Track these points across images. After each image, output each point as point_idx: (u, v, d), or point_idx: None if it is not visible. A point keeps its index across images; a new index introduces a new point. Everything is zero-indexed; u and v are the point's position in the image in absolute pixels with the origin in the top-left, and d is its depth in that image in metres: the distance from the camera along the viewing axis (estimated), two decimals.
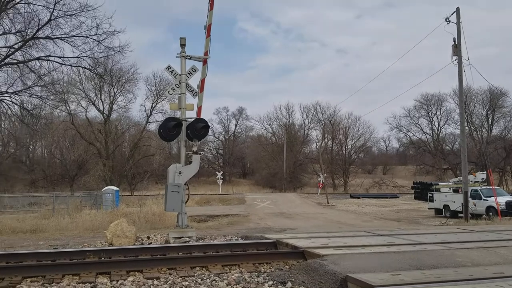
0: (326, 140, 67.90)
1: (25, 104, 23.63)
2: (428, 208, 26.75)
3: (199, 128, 11.42)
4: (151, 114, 53.00)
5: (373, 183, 59.53)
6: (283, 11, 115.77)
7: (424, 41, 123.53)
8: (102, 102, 50.83)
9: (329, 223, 18.84)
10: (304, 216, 22.76)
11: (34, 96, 23.24)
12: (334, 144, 66.90)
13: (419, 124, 67.60)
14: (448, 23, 21.63)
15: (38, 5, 21.23)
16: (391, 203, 35.36)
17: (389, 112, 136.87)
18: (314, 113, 68.00)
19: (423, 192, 35.51)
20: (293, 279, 6.37)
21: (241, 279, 6.56)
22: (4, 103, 22.81)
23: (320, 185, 43.41)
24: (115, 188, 30.41)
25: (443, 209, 24.84)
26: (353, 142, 67.81)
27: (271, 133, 70.78)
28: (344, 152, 66.04)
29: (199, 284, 6.38)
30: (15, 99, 22.79)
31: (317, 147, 65.30)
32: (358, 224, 18.11)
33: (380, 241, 9.04)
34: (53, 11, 20.94)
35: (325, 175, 43.09)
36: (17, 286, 6.22)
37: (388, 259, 6.92)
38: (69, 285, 6.26)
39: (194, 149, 11.51)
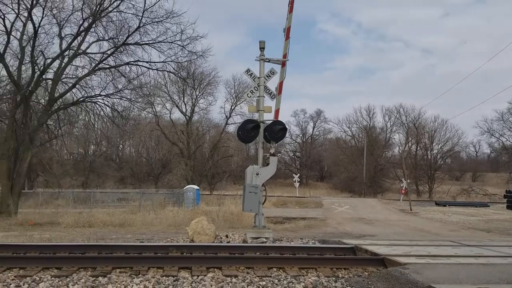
0: (409, 144, 65.04)
1: (116, 106, 25.26)
2: None
3: (276, 131, 11.48)
4: (230, 116, 54.33)
5: (461, 190, 55.87)
6: (364, 10, 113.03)
7: None
8: (185, 104, 53.04)
9: (412, 231, 18.01)
10: (384, 222, 21.99)
11: (124, 98, 24.79)
12: (418, 148, 63.85)
13: None
14: None
15: (128, 13, 22.60)
16: (480, 212, 32.99)
17: (479, 115, 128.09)
18: (397, 115, 65.47)
19: None
20: (372, 287, 6.18)
21: (318, 283, 6.49)
22: (97, 105, 24.56)
23: (403, 191, 41.67)
24: (196, 187, 31.48)
25: None
26: (439, 147, 64.24)
27: (350, 136, 69.30)
28: (429, 157, 62.75)
29: (276, 284, 6.41)
30: (107, 101, 24.45)
31: (400, 151, 62.75)
32: (443, 233, 17.13)
33: (467, 252, 8.48)
34: (141, 18, 22.19)
35: (408, 180, 41.24)
36: (108, 275, 6.67)
37: (476, 271, 6.47)
38: (153, 277, 6.59)
39: (272, 151, 11.59)
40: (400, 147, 65.42)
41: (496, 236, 17.15)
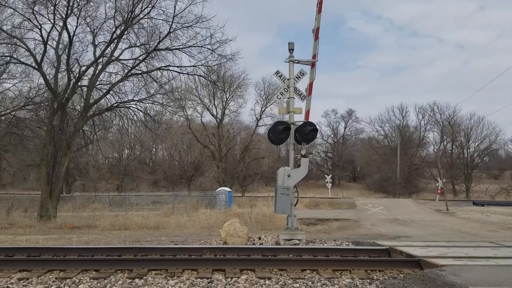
0: (445, 143, 63.34)
1: (148, 111, 25.72)
2: None
3: (307, 132, 11.44)
4: (260, 118, 54.43)
5: (500, 189, 53.98)
6: (395, 6, 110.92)
7: None
8: (216, 107, 53.50)
9: (449, 231, 17.55)
10: (420, 223, 21.51)
11: (156, 103, 25.19)
12: (454, 147, 62.12)
13: None
14: None
15: (159, 19, 22.98)
16: None
17: None
18: (431, 113, 63.84)
19: None
20: None
21: (353, 285, 6.42)
22: (131, 110, 25.08)
23: (439, 191, 40.65)
24: (227, 189, 31.66)
25: None
26: (476, 145, 62.29)
27: (383, 135, 68.10)
28: (465, 155, 60.94)
29: (309, 287, 6.38)
30: (140, 106, 24.91)
31: (435, 150, 61.21)
32: (481, 234, 16.61)
33: (507, 253, 8.20)
34: (172, 24, 22.51)
35: (444, 180, 40.16)
36: (144, 277, 6.81)
37: None
38: (188, 279, 6.68)
39: (303, 152, 11.56)
40: (435, 146, 63.85)
41: None
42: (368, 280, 6.68)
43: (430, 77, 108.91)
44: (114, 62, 23.93)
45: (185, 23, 22.73)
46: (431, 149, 65.74)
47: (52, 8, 21.26)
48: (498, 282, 5.69)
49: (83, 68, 23.69)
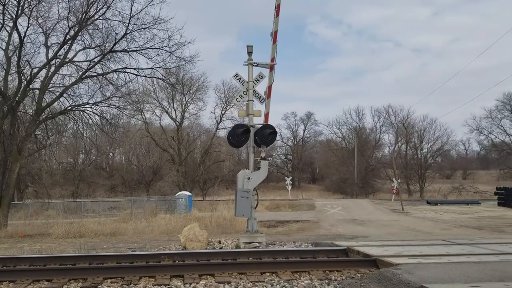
0: (399, 144, 65.41)
1: (104, 114, 25.07)
2: None
3: (266, 134, 11.48)
4: (220, 121, 54.26)
5: (452, 188, 56.26)
6: (354, 11, 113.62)
7: (509, 36, 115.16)
8: (175, 110, 52.85)
9: (404, 230, 18.09)
10: (376, 223, 22.06)
11: (112, 106, 24.61)
12: (408, 148, 64.23)
13: (501, 126, 63.05)
14: None
15: (115, 20, 22.50)
16: (472, 210, 33.23)
17: (468, 114, 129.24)
18: (386, 116, 65.82)
19: (507, 198, 33.15)
20: None
21: (311, 286, 6.47)
22: (86, 114, 24.37)
23: (394, 191, 41.88)
24: (188, 193, 31.35)
25: None
26: (429, 146, 64.62)
27: (341, 137, 69.54)
28: (419, 156, 63.12)
29: None
30: (96, 110, 24.27)
31: (390, 151, 63.14)
32: (435, 232, 17.22)
33: (459, 251, 8.52)
34: (128, 25, 22.10)
35: (399, 180, 41.47)
36: (99, 286, 6.60)
37: (467, 269, 6.50)
38: (145, 287, 6.53)
39: (262, 155, 11.59)
40: (390, 147, 65.85)
41: (488, 233, 17.29)
42: (326, 281, 6.76)
43: (388, 80, 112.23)
44: (68, 64, 23.22)
45: (142, 24, 22.39)
46: (387, 151, 67.81)
47: (1, 8, 20.39)
48: (450, 279, 5.89)
49: (35, 70, 22.83)
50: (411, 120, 64.03)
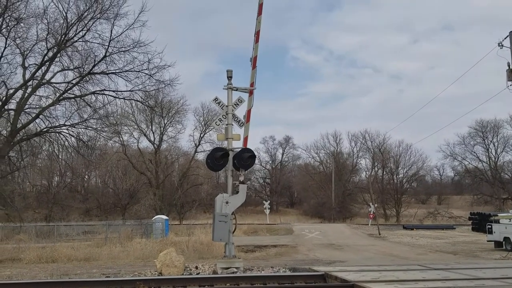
0: (376, 169, 66.25)
1: (81, 136, 24.78)
2: (487, 241, 25.20)
3: (245, 158, 11.52)
4: (199, 144, 54.05)
5: (428, 213, 57.06)
6: (335, 37, 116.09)
7: (482, 65, 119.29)
8: (153, 133, 52.48)
9: (381, 255, 18.18)
10: (354, 247, 22.12)
11: (89, 128, 24.38)
12: (384, 173, 65.12)
13: (474, 152, 64.72)
14: (501, 48, 20.87)
15: (94, 42, 22.53)
16: (447, 234, 33.70)
17: (442, 140, 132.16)
18: (363, 141, 66.80)
19: (481, 223, 33.69)
20: None
21: None
22: (62, 135, 24.04)
23: (371, 216, 42.21)
24: (164, 217, 30.90)
25: (504, 242, 23.32)
26: (404, 171, 65.68)
27: (319, 161, 70.05)
28: (395, 181, 64.03)
29: None
30: (72, 131, 23.98)
31: (367, 176, 63.79)
32: (411, 257, 17.36)
33: (434, 276, 8.61)
34: (108, 48, 22.14)
35: (376, 205, 41.82)
36: None
37: None
38: None
39: (241, 178, 11.59)
40: (367, 172, 66.57)
41: (463, 258, 17.52)
42: None
43: (366, 106, 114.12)
44: (45, 85, 23.04)
45: (122, 47, 22.48)
46: (364, 175, 68.56)
47: None
48: None
49: (11, 91, 22.50)
50: (387, 146, 65.21)
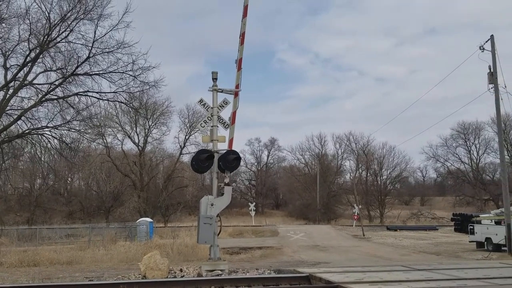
0: (360, 171, 66.83)
1: (64, 138, 24.42)
2: (469, 241, 25.60)
3: (230, 160, 11.52)
4: (184, 146, 53.81)
5: (411, 214, 57.75)
6: (321, 41, 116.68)
7: (464, 68, 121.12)
8: (137, 134, 52.08)
9: (365, 256, 18.32)
10: (338, 249, 22.25)
11: (72, 130, 24.05)
12: (368, 174, 65.70)
13: (456, 154, 65.77)
14: (482, 51, 21.23)
15: (78, 43, 22.27)
16: (430, 235, 34.13)
17: (425, 142, 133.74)
18: (347, 143, 67.32)
19: (463, 224, 34.17)
20: None
21: None
22: (44, 137, 23.68)
23: (355, 217, 42.53)
24: (149, 219, 30.70)
25: (485, 242, 23.71)
26: (388, 173, 66.38)
27: (304, 163, 70.35)
28: (379, 182, 64.64)
29: None
30: (55, 133, 23.64)
31: (351, 177, 64.31)
32: (395, 258, 17.53)
33: (417, 276, 8.71)
34: (91, 48, 21.91)
35: (360, 206, 42.19)
36: None
37: None
38: None
39: (226, 180, 11.57)
40: (351, 174, 67.10)
41: (445, 259, 17.76)
42: None
43: (352, 108, 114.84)
44: (27, 87, 22.65)
45: (106, 48, 22.25)
46: (348, 177, 69.07)
47: None
48: None
49: None
50: (371, 147, 65.81)
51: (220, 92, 12.22)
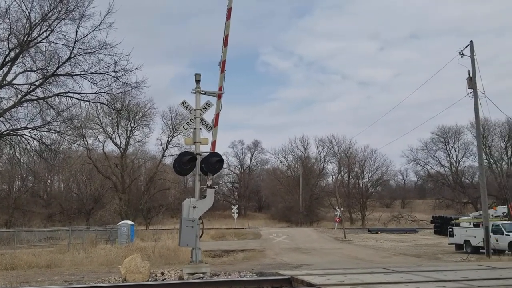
0: (342, 174, 67.34)
1: (44, 139, 24.04)
2: (449, 243, 26.04)
3: (213, 162, 11.48)
4: (167, 148, 53.44)
5: (392, 217, 58.43)
6: (305, 44, 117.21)
7: (445, 72, 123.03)
8: (119, 136, 51.54)
9: (346, 258, 18.46)
10: (320, 251, 22.37)
11: (53, 131, 23.70)
12: (350, 177, 66.26)
13: (436, 157, 66.78)
14: (462, 56, 21.62)
15: (59, 43, 21.99)
16: (410, 238, 34.56)
17: (406, 145, 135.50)
18: (330, 146, 67.82)
19: (443, 226, 34.75)
20: None
21: None
22: (23, 138, 23.28)
23: (337, 220, 42.83)
24: (130, 222, 30.39)
25: (464, 245, 24.15)
26: (369, 175, 67.07)
27: (287, 166, 70.57)
28: (361, 185, 65.25)
29: None
30: (35, 135, 23.25)
31: (333, 180, 64.72)
32: (376, 260, 17.71)
33: (397, 278, 8.81)
34: (73, 49, 21.67)
35: (342, 209, 42.51)
36: None
37: None
38: None
39: (209, 183, 11.53)
40: (334, 176, 67.55)
41: (425, 261, 18.02)
42: None
43: (335, 112, 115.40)
44: (6, 87, 22.22)
45: (88, 49, 22.02)
46: (330, 179, 69.54)
47: None
48: None
49: None
50: (353, 150, 66.41)
51: (203, 94, 12.19)
